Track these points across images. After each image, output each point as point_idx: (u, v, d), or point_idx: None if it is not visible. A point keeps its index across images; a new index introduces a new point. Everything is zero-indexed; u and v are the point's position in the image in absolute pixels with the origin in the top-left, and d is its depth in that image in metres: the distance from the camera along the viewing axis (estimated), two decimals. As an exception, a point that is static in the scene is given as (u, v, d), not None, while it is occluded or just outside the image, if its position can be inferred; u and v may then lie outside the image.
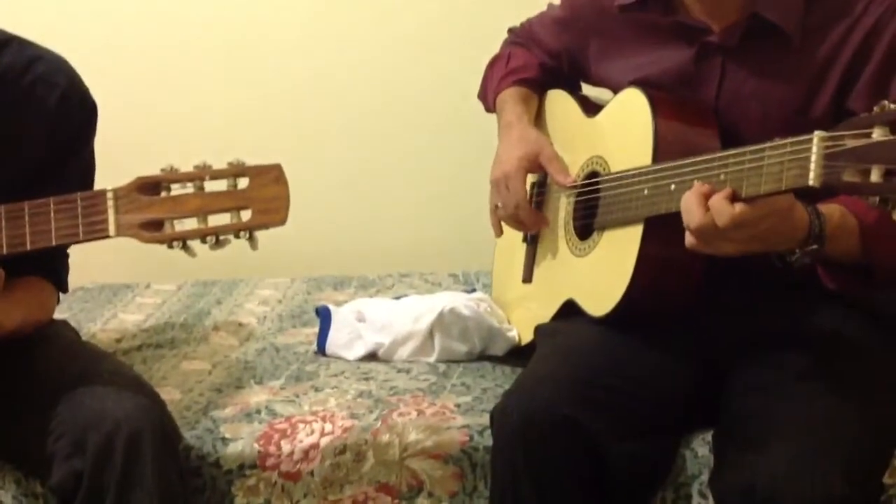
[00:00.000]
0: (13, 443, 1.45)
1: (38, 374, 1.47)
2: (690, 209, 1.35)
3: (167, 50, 2.59)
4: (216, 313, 2.22)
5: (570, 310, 1.69)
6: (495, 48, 1.96)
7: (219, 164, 1.37)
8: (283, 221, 1.34)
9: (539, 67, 1.86)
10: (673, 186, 1.45)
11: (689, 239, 1.38)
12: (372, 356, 1.93)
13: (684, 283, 1.52)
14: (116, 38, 2.56)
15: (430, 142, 2.62)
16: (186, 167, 1.36)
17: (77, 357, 1.56)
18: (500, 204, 1.78)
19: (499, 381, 1.80)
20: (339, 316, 2.01)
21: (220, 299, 2.31)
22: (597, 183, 1.67)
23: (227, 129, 2.58)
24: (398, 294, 2.21)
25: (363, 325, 1.98)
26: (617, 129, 1.67)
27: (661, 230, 1.49)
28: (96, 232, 1.36)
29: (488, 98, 1.93)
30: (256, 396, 1.78)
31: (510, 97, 1.85)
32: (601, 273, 1.63)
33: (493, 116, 1.91)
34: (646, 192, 1.51)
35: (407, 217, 2.66)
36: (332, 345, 1.97)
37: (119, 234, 1.35)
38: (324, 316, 2.02)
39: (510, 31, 1.96)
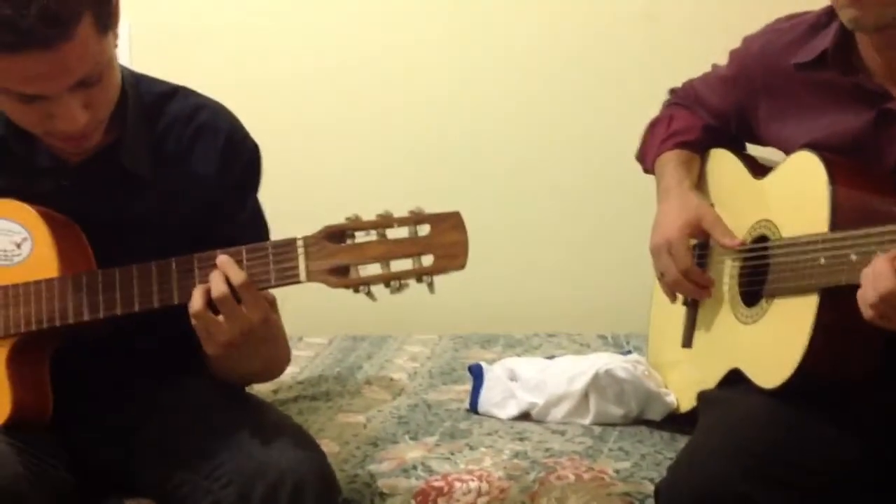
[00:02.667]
0: (183, 488, 1.47)
1: (212, 423, 1.50)
2: (881, 275, 1.30)
3: (335, 106, 2.67)
4: (367, 367, 2.25)
5: (734, 377, 1.64)
6: (655, 108, 1.94)
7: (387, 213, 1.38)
8: (462, 266, 1.35)
9: (702, 129, 1.83)
10: (854, 257, 1.40)
11: (867, 311, 1.33)
12: (525, 416, 1.92)
13: (862, 355, 1.46)
14: (288, 89, 2.65)
15: (581, 201, 2.61)
16: (368, 216, 1.38)
17: (245, 407, 1.59)
18: (663, 271, 1.75)
19: (657, 448, 1.76)
20: (492, 374, 2.00)
21: (371, 354, 2.34)
22: (766, 248, 1.62)
23: (374, 182, 2.62)
24: (546, 354, 2.19)
25: (516, 384, 1.97)
26: (788, 194, 1.62)
27: (839, 301, 1.43)
28: (288, 278, 1.39)
29: (647, 159, 1.90)
30: (412, 452, 1.78)
31: (671, 160, 1.82)
32: (772, 343, 1.57)
33: (649, 177, 1.88)
34: (822, 261, 1.46)
35: (556, 276, 2.65)
36: (484, 403, 1.96)
37: (309, 279, 1.38)
38: (476, 374, 2.02)
39: (671, 91, 1.94)
